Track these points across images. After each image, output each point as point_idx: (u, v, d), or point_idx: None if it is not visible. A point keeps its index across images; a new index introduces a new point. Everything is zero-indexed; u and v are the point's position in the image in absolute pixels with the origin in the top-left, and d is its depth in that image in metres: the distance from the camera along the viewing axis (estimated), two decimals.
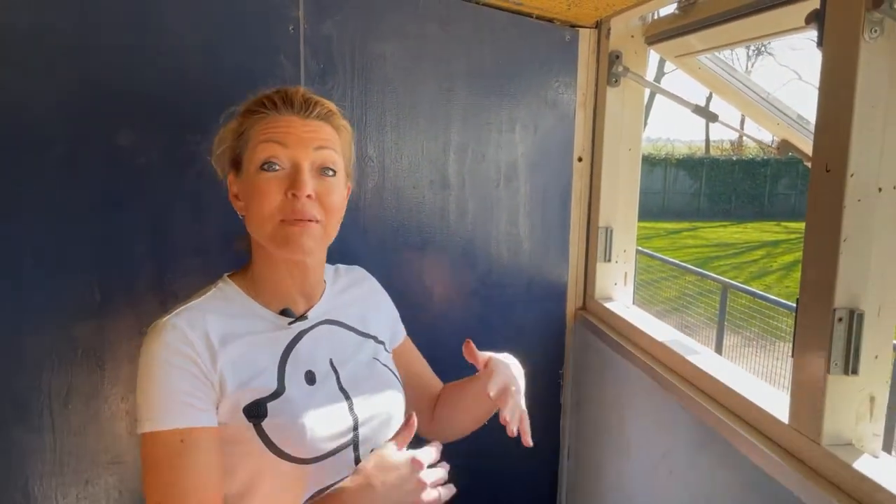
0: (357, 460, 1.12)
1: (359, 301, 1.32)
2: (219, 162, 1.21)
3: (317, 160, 1.11)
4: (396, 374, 1.28)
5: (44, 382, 1.45)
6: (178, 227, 1.51)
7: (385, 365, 1.26)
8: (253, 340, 1.12)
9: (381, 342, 1.30)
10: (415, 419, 1.08)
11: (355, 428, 1.13)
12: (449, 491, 1.04)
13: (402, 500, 1.00)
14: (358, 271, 1.39)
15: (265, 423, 1.06)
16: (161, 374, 1.04)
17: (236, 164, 1.16)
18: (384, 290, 1.41)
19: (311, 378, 1.13)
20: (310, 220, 1.08)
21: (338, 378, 1.16)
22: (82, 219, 1.44)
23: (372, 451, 1.12)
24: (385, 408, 1.20)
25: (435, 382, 1.46)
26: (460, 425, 1.38)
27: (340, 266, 1.36)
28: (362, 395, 1.17)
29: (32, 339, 1.43)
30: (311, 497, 1.07)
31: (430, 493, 1.01)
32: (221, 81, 1.51)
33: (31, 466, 1.47)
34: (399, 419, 1.23)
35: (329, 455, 1.09)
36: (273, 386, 1.09)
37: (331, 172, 1.12)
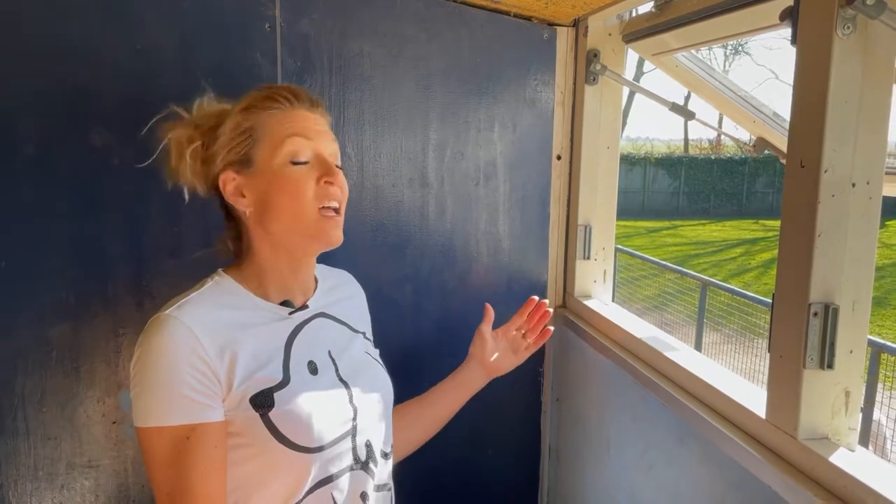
0: (355, 449, 1.16)
1: (346, 300, 1.35)
2: (208, 160, 1.18)
3: (333, 152, 1.16)
4: (385, 369, 1.31)
5: (17, 385, 1.43)
6: (153, 228, 1.49)
7: (376, 360, 1.30)
8: (256, 332, 1.13)
9: (370, 339, 1.35)
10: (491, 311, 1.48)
11: (354, 418, 1.17)
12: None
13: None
14: (344, 274, 1.42)
15: (272, 413, 1.08)
16: (166, 368, 1.03)
17: (243, 162, 1.14)
18: (365, 300, 1.44)
19: (313, 368, 1.15)
20: (337, 211, 1.15)
21: (336, 369, 1.19)
22: (55, 220, 1.42)
23: (367, 441, 1.18)
24: (380, 399, 1.24)
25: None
26: (411, 440, 1.45)
27: (325, 266, 1.37)
28: (359, 386, 1.20)
29: (5, 341, 1.41)
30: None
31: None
32: (197, 80, 1.48)
33: (4, 471, 1.44)
34: (391, 410, 1.29)
35: (335, 443, 1.12)
36: (279, 376, 1.10)
37: (339, 165, 1.18)
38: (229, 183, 1.16)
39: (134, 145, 1.45)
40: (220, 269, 1.21)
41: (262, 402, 1.07)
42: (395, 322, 1.75)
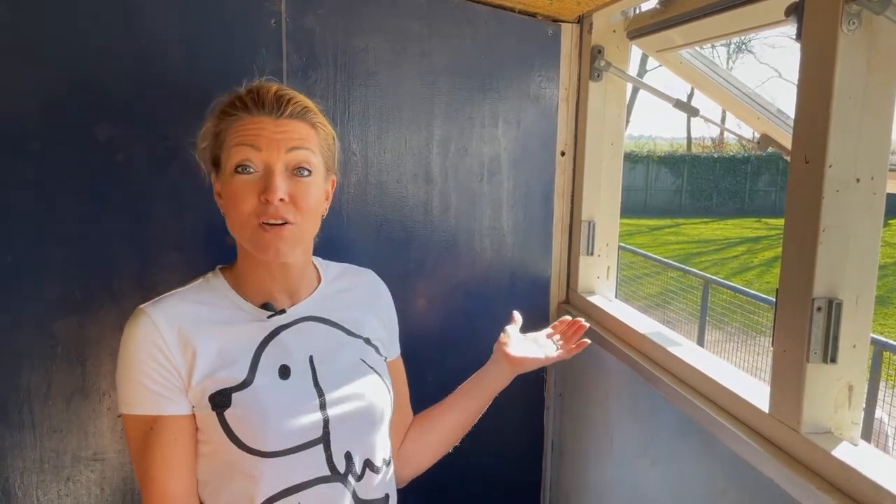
0: (329, 459, 1.13)
1: (357, 303, 1.31)
2: (202, 159, 1.21)
3: (290, 161, 1.10)
4: (385, 377, 1.26)
5: (23, 379, 1.44)
6: (158, 223, 1.50)
7: (372, 367, 1.24)
8: (229, 331, 1.14)
9: (374, 345, 1.29)
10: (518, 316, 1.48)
11: (326, 426, 1.13)
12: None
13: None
14: (368, 276, 1.39)
15: (227, 413, 1.09)
16: (131, 361, 1.09)
17: (216, 164, 1.16)
18: (393, 305, 1.41)
19: (284, 372, 1.14)
20: (283, 224, 1.09)
21: (314, 375, 1.16)
22: (61, 215, 1.43)
23: (346, 452, 1.14)
24: (364, 408, 1.18)
25: (407, 412, 1.44)
26: (429, 450, 1.42)
27: (350, 267, 1.36)
28: (339, 393, 1.16)
29: (11, 335, 1.42)
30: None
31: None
32: (202, 76, 1.50)
33: (10, 464, 1.45)
34: (383, 421, 1.23)
35: (294, 451, 1.10)
36: (242, 376, 1.11)
37: (306, 172, 1.12)
38: (213, 183, 1.19)
39: (139, 141, 1.46)
40: (217, 267, 1.22)
41: (220, 400, 1.09)
42: (399, 317, 1.75)
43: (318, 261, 1.32)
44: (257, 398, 1.09)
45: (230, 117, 1.13)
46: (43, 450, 1.47)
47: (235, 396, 1.09)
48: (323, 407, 1.14)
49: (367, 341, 1.28)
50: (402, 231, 1.74)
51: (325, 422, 1.13)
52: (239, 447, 1.08)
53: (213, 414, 1.09)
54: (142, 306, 1.12)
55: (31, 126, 1.39)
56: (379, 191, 1.70)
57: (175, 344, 1.09)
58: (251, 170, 1.09)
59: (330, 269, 1.31)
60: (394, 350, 1.39)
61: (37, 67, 1.37)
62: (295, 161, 1.11)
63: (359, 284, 1.35)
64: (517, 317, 1.53)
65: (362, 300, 1.33)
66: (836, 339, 1.04)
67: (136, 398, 1.09)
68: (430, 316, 1.80)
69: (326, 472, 1.12)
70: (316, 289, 1.26)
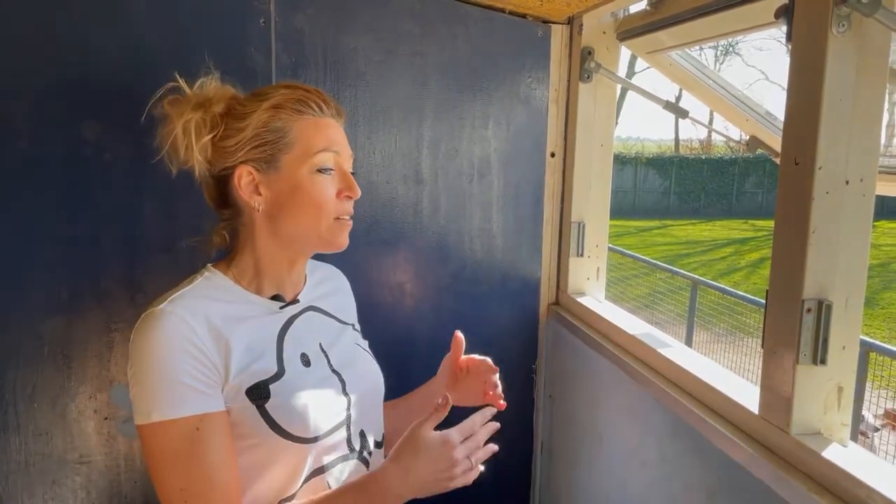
0: (349, 439, 1.17)
1: (334, 293, 1.35)
2: (238, 147, 1.14)
3: (350, 161, 1.21)
4: (374, 360, 1.32)
5: (8, 381, 1.42)
6: (145, 223, 1.49)
7: (366, 351, 1.31)
8: (249, 325, 1.13)
9: (358, 331, 1.36)
10: (449, 399, 1.10)
11: (348, 407, 1.18)
12: (487, 452, 1.12)
13: (437, 481, 1.06)
14: (329, 267, 1.42)
15: (269, 405, 1.08)
16: (166, 361, 1.03)
17: (267, 161, 1.13)
18: (351, 292, 1.44)
19: (306, 360, 1.17)
20: (350, 218, 1.19)
21: (328, 360, 1.21)
22: (48, 215, 1.41)
23: (361, 431, 1.18)
24: (372, 389, 1.26)
25: None
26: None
27: (312, 260, 1.36)
28: (351, 376, 1.21)
29: None
30: (342, 485, 1.12)
31: (463, 471, 1.08)
32: (190, 75, 1.48)
33: None
34: (381, 397, 1.29)
35: (329, 433, 1.13)
36: (274, 368, 1.12)
37: (354, 170, 1.22)
38: (245, 177, 1.14)
39: (126, 140, 1.45)
40: (209, 265, 1.20)
41: (259, 393, 1.08)
42: (388, 317, 1.75)
43: None
44: (294, 387, 1.12)
45: (301, 115, 1.14)
46: (28, 453, 1.45)
47: (273, 388, 1.10)
48: (344, 390, 1.19)
49: (354, 327, 1.35)
50: (392, 232, 1.73)
51: (348, 403, 1.18)
52: (285, 437, 1.08)
53: (253, 407, 1.07)
54: (161, 307, 1.06)
55: (18, 124, 1.37)
56: (368, 191, 1.69)
57: (209, 340, 1.06)
58: (332, 170, 1.15)
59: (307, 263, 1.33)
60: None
61: (24, 66, 1.36)
62: (351, 160, 1.21)
63: (328, 276, 1.38)
64: (458, 340, 1.35)
65: (336, 290, 1.38)
66: (825, 340, 1.04)
67: (178, 400, 1.03)
68: (420, 317, 1.79)
69: (346, 451, 1.17)
70: (306, 281, 1.28)
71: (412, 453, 1.05)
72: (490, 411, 1.13)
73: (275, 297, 1.20)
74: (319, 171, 1.14)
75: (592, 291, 1.92)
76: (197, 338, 1.05)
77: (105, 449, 1.51)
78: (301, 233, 1.16)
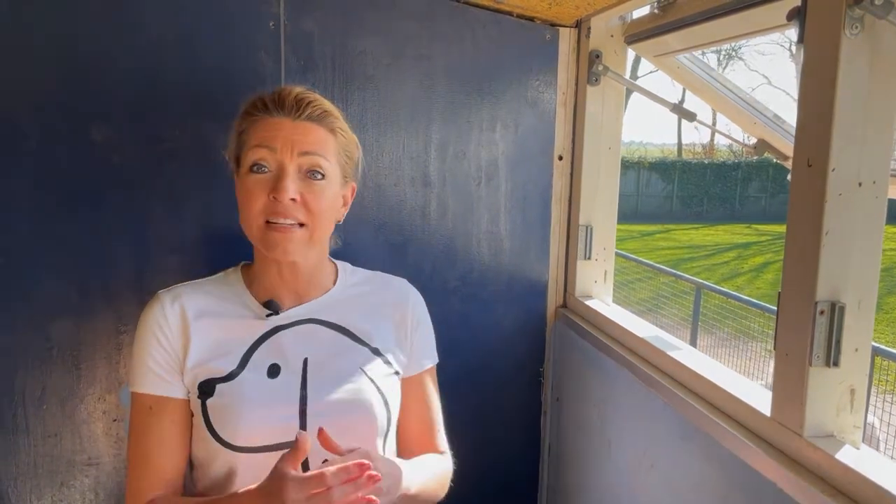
0: (304, 465, 1.07)
1: (375, 312, 1.28)
2: (229, 158, 1.23)
3: (304, 164, 1.13)
4: (386, 391, 1.21)
5: (17, 382, 1.42)
6: (155, 225, 1.49)
7: (371, 378, 1.20)
8: (230, 324, 1.18)
9: (384, 357, 1.25)
10: (307, 441, 0.99)
11: (302, 429, 1.11)
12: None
13: None
14: (396, 286, 1.34)
15: (209, 402, 1.13)
16: (139, 341, 1.17)
17: (236, 163, 1.19)
18: (426, 320, 1.35)
19: (273, 371, 1.16)
20: (293, 225, 1.11)
21: (304, 378, 1.16)
22: (57, 216, 1.41)
23: (325, 461, 1.06)
24: (349, 419, 1.15)
25: (416, 434, 1.33)
26: None
27: (380, 275, 1.35)
28: (325, 400, 1.14)
29: (5, 337, 1.41)
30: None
31: None
32: (200, 78, 1.49)
33: (4, 469, 1.43)
34: (372, 435, 1.18)
35: (267, 450, 1.10)
36: (230, 369, 1.14)
37: (318, 176, 1.14)
38: (236, 182, 1.20)
39: (135, 142, 1.45)
40: (241, 263, 1.27)
41: (206, 389, 1.14)
42: None
43: (342, 265, 1.32)
44: (238, 392, 1.13)
45: (252, 117, 1.16)
46: (37, 455, 1.46)
47: (219, 387, 1.13)
48: (303, 412, 1.13)
49: (376, 351, 1.24)
50: (400, 235, 1.73)
51: (302, 427, 1.12)
52: (215, 438, 1.11)
53: (199, 402, 1.14)
54: (159, 292, 1.20)
55: (27, 127, 1.37)
56: (377, 194, 1.69)
57: (177, 327, 1.15)
58: (266, 169, 1.12)
59: (354, 275, 1.31)
60: (414, 367, 1.31)
61: (34, 67, 1.36)
62: (308, 164, 1.13)
63: (383, 293, 1.31)
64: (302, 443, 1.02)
65: (382, 309, 1.29)
66: (838, 342, 1.04)
67: (141, 377, 1.15)
68: None
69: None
70: (328, 292, 1.25)
71: (269, 486, 0.98)
72: (355, 466, 0.99)
73: (267, 304, 1.20)
74: (252, 169, 1.12)
75: (600, 294, 1.92)
76: (167, 325, 1.15)
77: (113, 451, 1.52)
78: (248, 235, 1.16)
